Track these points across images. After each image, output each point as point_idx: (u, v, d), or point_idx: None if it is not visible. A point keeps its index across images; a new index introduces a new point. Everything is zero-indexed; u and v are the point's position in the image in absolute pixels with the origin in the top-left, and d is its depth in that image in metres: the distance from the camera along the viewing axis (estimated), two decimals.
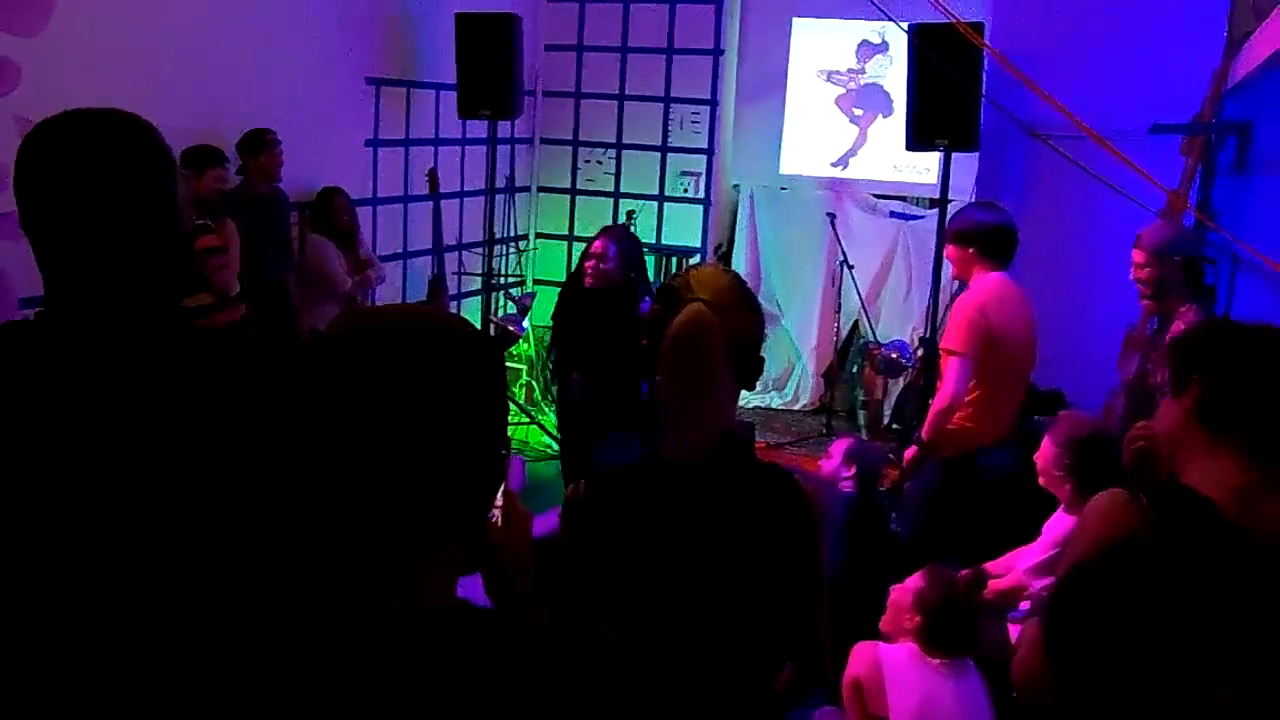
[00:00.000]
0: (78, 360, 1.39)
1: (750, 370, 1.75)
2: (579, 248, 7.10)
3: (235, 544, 1.38)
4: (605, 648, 1.01)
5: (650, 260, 7.47)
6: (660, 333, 1.69)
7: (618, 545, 1.75)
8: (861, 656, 2.80)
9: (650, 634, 1.71)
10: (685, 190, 7.60)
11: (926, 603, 2.83)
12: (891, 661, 2.79)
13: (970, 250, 3.94)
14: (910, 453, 4.03)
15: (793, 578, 1.77)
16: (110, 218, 1.40)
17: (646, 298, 4.41)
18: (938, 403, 3.91)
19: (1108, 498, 1.69)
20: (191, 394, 1.41)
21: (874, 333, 7.01)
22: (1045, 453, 3.29)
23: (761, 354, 1.78)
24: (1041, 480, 3.32)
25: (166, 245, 1.46)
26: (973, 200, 6.13)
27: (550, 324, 4.57)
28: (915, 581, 2.89)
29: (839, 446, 4.01)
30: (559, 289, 4.99)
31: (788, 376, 7.48)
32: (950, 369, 3.87)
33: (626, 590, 1.75)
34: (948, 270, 5.66)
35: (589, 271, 4.33)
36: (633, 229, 7.38)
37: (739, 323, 1.71)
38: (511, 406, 6.53)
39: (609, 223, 6.91)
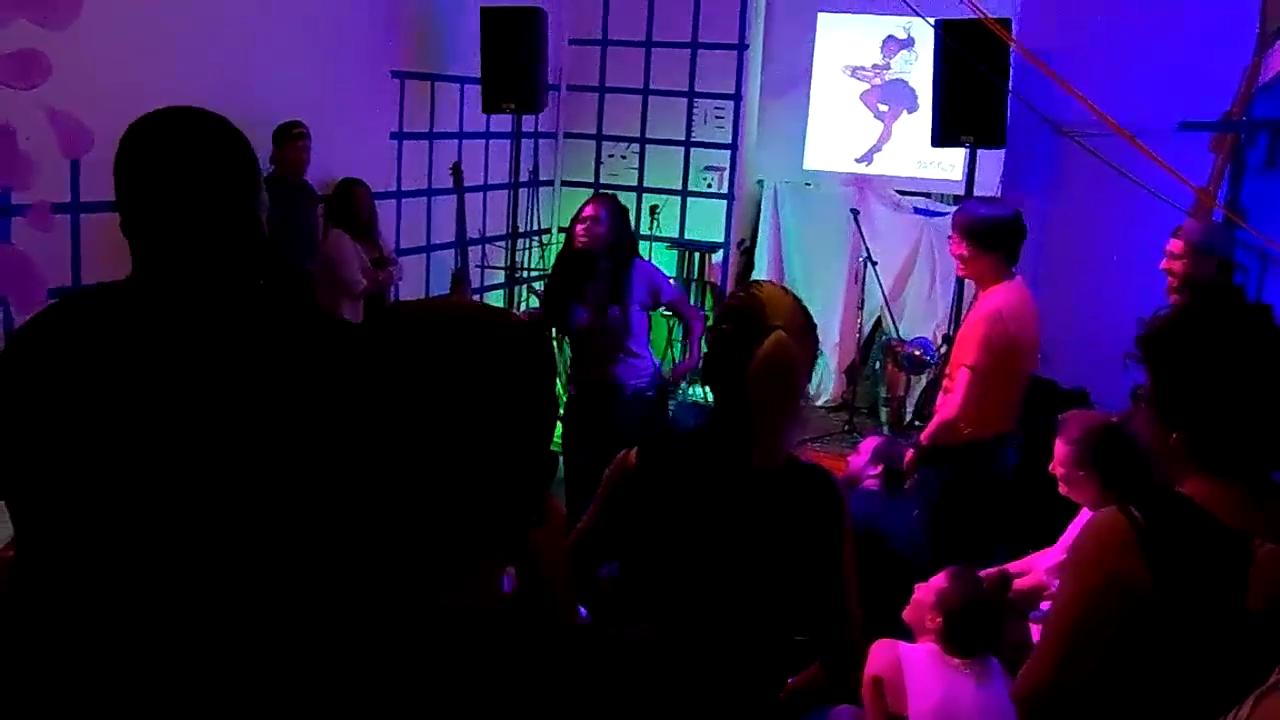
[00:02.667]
0: (162, 322, 1.51)
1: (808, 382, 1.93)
2: None
3: (294, 522, 1.43)
4: (649, 649, 1.02)
5: (673, 255, 7.49)
6: (735, 353, 1.80)
7: (668, 525, 1.82)
8: (881, 655, 2.78)
9: (682, 618, 1.76)
10: (709, 185, 7.59)
11: (948, 603, 2.80)
12: (912, 660, 2.77)
13: (996, 255, 3.81)
14: (909, 455, 3.98)
15: (821, 574, 1.83)
16: (202, 204, 1.54)
17: (638, 259, 4.57)
18: (945, 414, 3.83)
19: (1101, 517, 1.69)
20: (269, 365, 1.50)
21: (897, 329, 6.99)
22: (1060, 454, 3.17)
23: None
24: (1062, 489, 3.22)
25: (246, 230, 1.59)
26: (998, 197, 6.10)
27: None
28: (939, 581, 2.87)
29: (868, 444, 3.98)
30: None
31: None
32: (961, 381, 3.77)
33: (666, 571, 1.81)
34: None
35: (580, 234, 4.39)
36: (657, 223, 7.43)
37: (808, 345, 1.87)
38: None
39: (632, 218, 6.90)
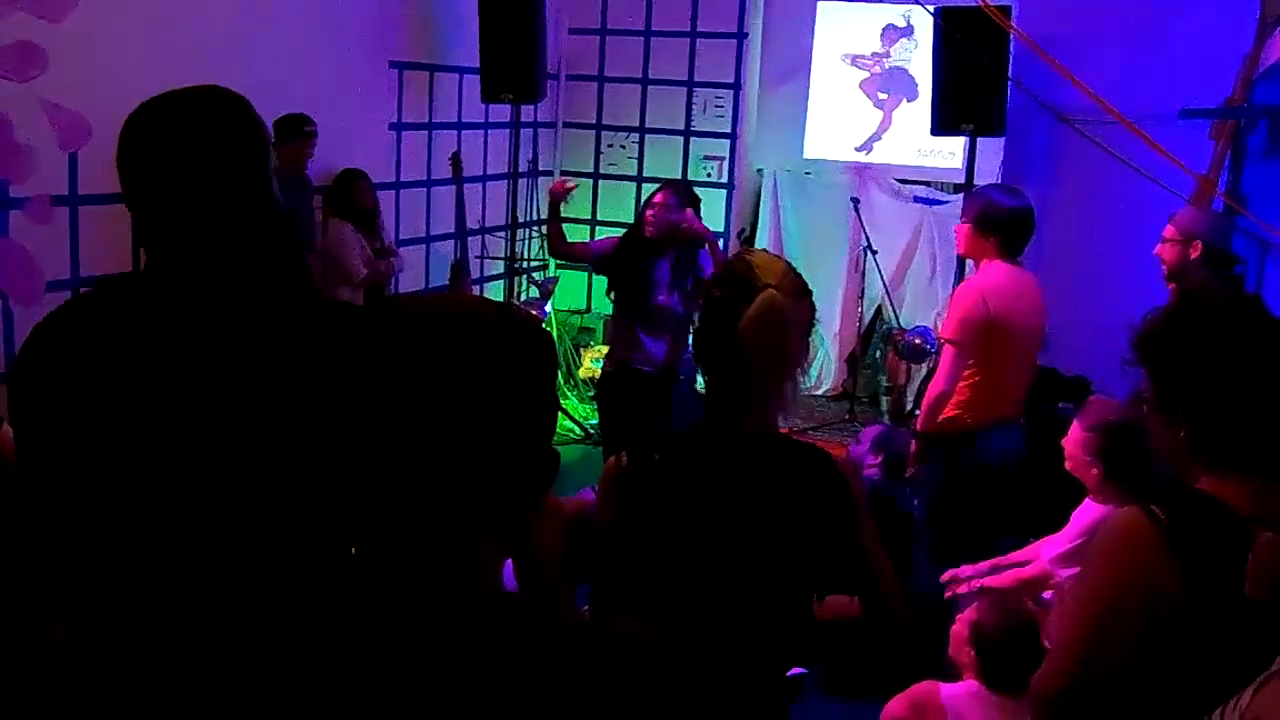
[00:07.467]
0: (177, 315, 1.47)
1: (804, 352, 1.87)
2: (601, 232, 7.10)
3: (296, 514, 1.44)
4: (644, 647, 1.02)
5: None
6: (725, 315, 1.76)
7: (672, 517, 1.79)
8: (921, 700, 2.68)
9: (699, 609, 1.74)
10: (708, 174, 7.57)
11: (982, 636, 2.67)
12: (955, 704, 2.66)
13: (992, 239, 3.85)
14: (914, 446, 4.00)
15: (833, 552, 1.82)
16: (207, 188, 1.47)
17: (703, 250, 4.57)
18: (930, 392, 3.88)
19: (1123, 516, 1.68)
20: (286, 354, 1.47)
21: (897, 318, 6.98)
22: (1074, 437, 3.22)
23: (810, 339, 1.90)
24: (1068, 465, 3.26)
25: (260, 210, 1.54)
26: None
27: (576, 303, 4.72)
28: (971, 613, 2.75)
29: (868, 433, 3.99)
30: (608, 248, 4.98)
31: (810, 362, 7.45)
32: (945, 357, 3.83)
33: (678, 563, 1.79)
34: None
35: (650, 220, 4.42)
36: None
37: (802, 308, 1.83)
38: None
39: (632, 207, 6.91)
